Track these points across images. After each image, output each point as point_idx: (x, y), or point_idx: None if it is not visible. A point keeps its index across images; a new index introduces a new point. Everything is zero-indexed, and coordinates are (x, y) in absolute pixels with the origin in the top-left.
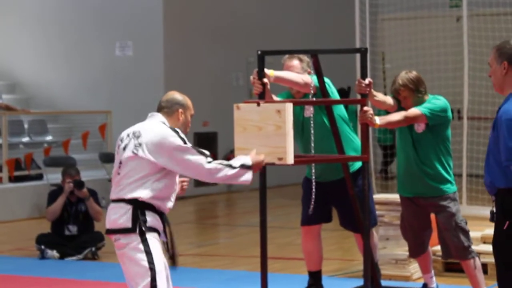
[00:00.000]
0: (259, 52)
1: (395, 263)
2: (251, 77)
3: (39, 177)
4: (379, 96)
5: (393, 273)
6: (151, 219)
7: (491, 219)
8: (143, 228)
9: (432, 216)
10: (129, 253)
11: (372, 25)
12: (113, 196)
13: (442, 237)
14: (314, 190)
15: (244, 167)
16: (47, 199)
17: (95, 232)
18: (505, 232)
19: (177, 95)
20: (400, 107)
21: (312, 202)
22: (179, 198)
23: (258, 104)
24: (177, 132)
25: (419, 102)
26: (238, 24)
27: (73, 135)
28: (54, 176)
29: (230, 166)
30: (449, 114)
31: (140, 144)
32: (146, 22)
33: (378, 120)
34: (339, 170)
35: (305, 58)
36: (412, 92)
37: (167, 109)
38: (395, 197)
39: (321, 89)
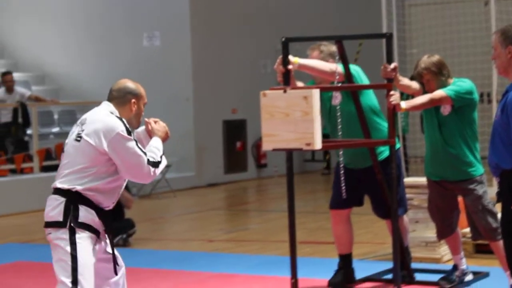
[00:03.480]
0: (283, 39)
1: (425, 246)
2: (275, 64)
3: None
4: (405, 80)
5: (423, 256)
6: (85, 214)
7: (498, 201)
8: (72, 224)
9: (460, 197)
10: (56, 249)
11: (399, 11)
12: (52, 185)
13: (470, 219)
14: (343, 175)
15: (162, 155)
16: None
17: (126, 220)
18: None
19: (129, 84)
20: (425, 91)
21: (343, 187)
22: (209, 185)
23: (285, 91)
24: (122, 122)
25: (442, 85)
26: (265, 12)
27: None
28: None
29: (159, 162)
30: (475, 96)
31: (83, 131)
32: (173, 12)
33: (404, 104)
34: (368, 157)
35: (325, 48)
36: (435, 75)
37: (119, 99)
38: (423, 180)
39: (347, 76)
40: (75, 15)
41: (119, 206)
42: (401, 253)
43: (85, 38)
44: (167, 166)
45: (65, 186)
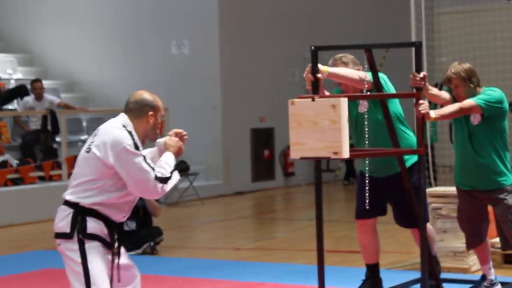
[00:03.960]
0: (312, 48)
1: (454, 256)
2: (304, 72)
3: None
4: (434, 90)
5: (451, 266)
6: (93, 225)
7: None
8: (81, 236)
9: (490, 207)
10: (67, 260)
11: (428, 19)
12: (62, 195)
13: (500, 228)
14: (367, 184)
15: (173, 171)
16: None
17: (153, 227)
18: None
19: (146, 95)
20: (454, 101)
21: (367, 197)
22: (236, 193)
23: (313, 99)
24: (131, 136)
25: (471, 93)
26: (294, 20)
27: None
28: None
29: (169, 178)
30: (505, 105)
31: (93, 142)
32: (202, 21)
33: (433, 113)
34: (393, 166)
35: (349, 59)
36: (464, 81)
37: (136, 111)
38: (452, 189)
39: (376, 84)
40: (105, 23)
41: (147, 214)
42: (429, 263)
43: (114, 46)
44: (195, 174)
45: (72, 198)
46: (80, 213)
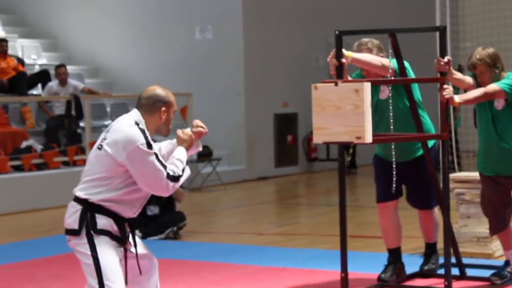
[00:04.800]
0: (336, 32)
1: (477, 241)
2: (328, 57)
3: None
4: (458, 75)
5: (474, 251)
6: (103, 221)
7: None
8: (91, 231)
9: None
10: (79, 256)
11: (452, 3)
12: (73, 191)
13: None
14: (395, 169)
15: (184, 168)
16: None
17: (176, 212)
18: None
19: (159, 91)
20: (478, 86)
21: (394, 181)
22: (259, 178)
23: (336, 84)
24: (144, 134)
25: (495, 78)
26: (318, 4)
27: None
28: None
29: (180, 176)
30: None
31: (105, 139)
32: (226, 6)
33: (457, 98)
34: (411, 151)
35: (374, 45)
36: (489, 67)
37: (148, 107)
38: (476, 175)
39: (400, 69)
40: (129, 9)
41: (170, 199)
42: (454, 248)
43: (138, 31)
44: (218, 159)
45: (81, 195)
46: (89, 209)
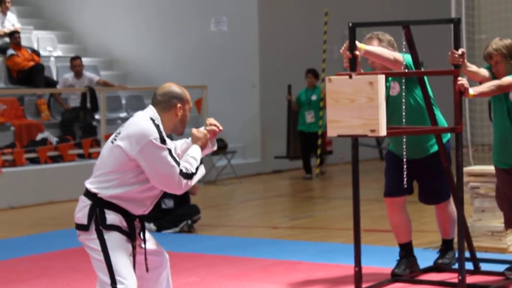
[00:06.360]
0: (350, 24)
1: (491, 235)
2: (341, 49)
3: None
4: (473, 67)
5: (489, 245)
6: (112, 217)
7: None
8: (100, 226)
9: None
10: (89, 251)
11: None
12: (85, 183)
13: None
14: (405, 165)
15: (198, 166)
16: None
17: (191, 206)
18: None
19: (174, 87)
20: (494, 78)
21: (405, 177)
22: (274, 172)
23: (350, 77)
24: (158, 129)
25: (511, 70)
26: None
27: None
28: None
29: (193, 174)
30: None
31: (119, 133)
32: None
33: (471, 90)
34: (424, 149)
35: (385, 37)
36: (505, 57)
37: (164, 103)
38: (491, 168)
39: (414, 61)
40: (144, 1)
41: (185, 192)
42: (468, 242)
43: (153, 23)
44: (232, 152)
45: (92, 188)
46: (98, 205)
